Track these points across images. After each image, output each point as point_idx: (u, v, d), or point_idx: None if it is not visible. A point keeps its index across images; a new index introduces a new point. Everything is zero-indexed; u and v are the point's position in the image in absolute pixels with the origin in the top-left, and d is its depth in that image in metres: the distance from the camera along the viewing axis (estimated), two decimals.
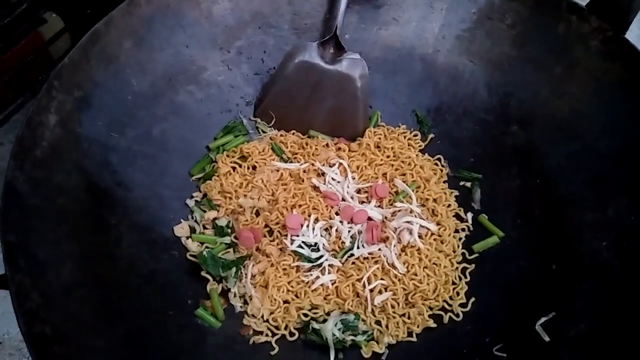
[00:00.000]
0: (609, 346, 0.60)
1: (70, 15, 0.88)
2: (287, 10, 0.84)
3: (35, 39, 0.87)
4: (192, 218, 0.76)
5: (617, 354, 0.60)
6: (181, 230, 0.74)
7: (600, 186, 0.70)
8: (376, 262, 0.72)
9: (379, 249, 0.73)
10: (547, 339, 0.64)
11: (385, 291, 0.71)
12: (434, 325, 0.70)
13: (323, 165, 0.79)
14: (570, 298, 0.66)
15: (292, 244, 0.72)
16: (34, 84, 0.85)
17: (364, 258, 0.73)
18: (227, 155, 0.81)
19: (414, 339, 0.69)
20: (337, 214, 0.76)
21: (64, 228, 0.63)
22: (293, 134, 0.84)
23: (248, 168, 0.80)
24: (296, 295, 0.71)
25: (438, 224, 0.76)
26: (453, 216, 0.78)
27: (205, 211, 0.76)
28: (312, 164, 0.79)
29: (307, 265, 0.72)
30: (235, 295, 0.71)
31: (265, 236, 0.74)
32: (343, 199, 0.77)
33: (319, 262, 0.72)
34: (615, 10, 0.71)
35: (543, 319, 0.66)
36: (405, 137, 0.84)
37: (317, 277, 0.71)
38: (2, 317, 0.84)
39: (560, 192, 0.74)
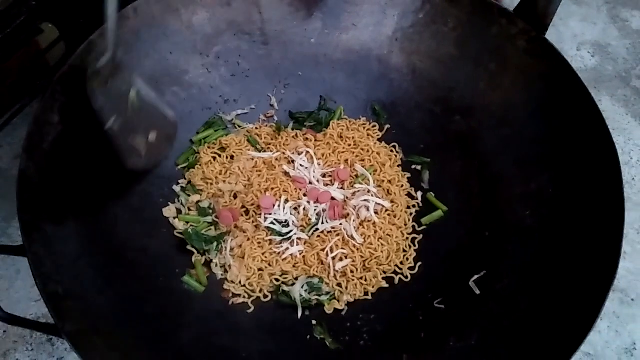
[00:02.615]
0: (527, 296, 0.75)
1: (64, 26, 0.99)
2: (258, 19, 0.96)
3: (33, 47, 0.98)
4: (179, 201, 0.89)
5: (533, 303, 0.74)
6: (169, 211, 0.88)
7: (526, 165, 0.84)
8: (338, 235, 0.85)
9: (340, 224, 0.86)
10: (477, 292, 0.79)
11: (345, 259, 0.84)
12: (387, 285, 0.84)
13: (292, 153, 0.93)
14: (498, 259, 0.80)
15: (265, 221, 0.85)
16: (33, 90, 0.94)
17: (328, 232, 0.86)
18: (209, 147, 0.94)
19: (370, 297, 0.83)
20: (304, 195, 0.89)
21: (68, 209, 0.75)
22: (266, 126, 0.98)
23: (227, 157, 0.94)
24: (269, 264, 0.84)
25: (392, 201, 0.90)
26: (405, 195, 0.92)
27: (189, 195, 0.90)
28: (283, 153, 0.93)
29: (279, 238, 0.85)
30: (216, 265, 0.84)
31: (242, 215, 0.87)
32: (310, 182, 0.90)
33: (288, 236, 0.85)
34: (536, 14, 0.85)
35: (475, 277, 0.80)
36: (364, 128, 0.98)
37: (287, 249, 0.84)
38: (6, 308, 0.93)
39: (494, 171, 0.88)
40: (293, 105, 0.99)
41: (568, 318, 0.68)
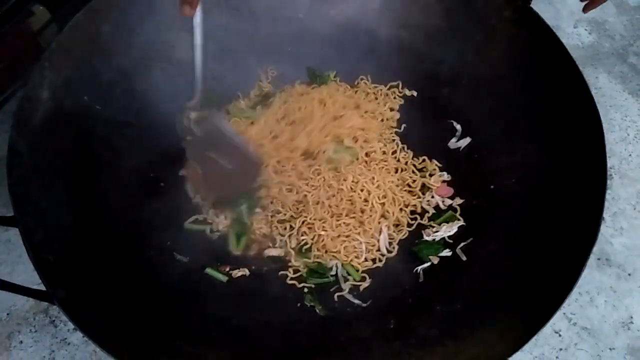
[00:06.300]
0: (511, 261, 0.78)
1: (55, 7, 1.02)
2: None
3: (25, 30, 1.01)
4: None
5: (517, 268, 0.77)
6: None
7: (512, 135, 0.88)
8: None
9: None
10: (464, 258, 0.82)
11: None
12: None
13: None
14: (484, 226, 0.84)
15: None
16: (25, 73, 0.94)
17: None
18: None
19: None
20: None
21: (59, 183, 0.78)
22: None
23: None
24: None
25: None
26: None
27: None
28: None
29: None
30: None
31: None
32: None
33: None
34: None
35: (462, 244, 0.84)
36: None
37: None
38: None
39: (481, 141, 0.91)
40: (282, 80, 1.02)
41: (550, 281, 0.71)
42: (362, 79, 1.02)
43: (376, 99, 0.99)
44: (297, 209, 0.88)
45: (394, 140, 0.95)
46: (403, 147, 0.95)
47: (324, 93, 0.95)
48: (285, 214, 0.88)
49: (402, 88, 1.00)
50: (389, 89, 1.00)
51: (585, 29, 1.42)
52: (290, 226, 0.87)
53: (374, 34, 1.01)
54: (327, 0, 1.01)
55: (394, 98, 0.99)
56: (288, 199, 0.88)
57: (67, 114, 0.83)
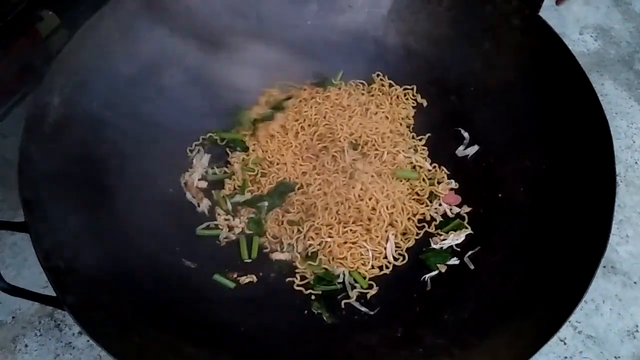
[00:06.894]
0: (519, 269, 0.78)
1: (65, 12, 1.03)
2: (254, 0, 1.00)
3: (33, 35, 1.01)
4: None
5: (525, 276, 0.77)
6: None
7: (520, 142, 0.88)
8: None
9: None
10: (472, 267, 0.82)
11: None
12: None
13: None
14: (491, 235, 0.84)
15: None
16: (34, 78, 0.96)
17: None
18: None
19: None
20: None
21: (69, 188, 0.78)
22: None
23: None
24: None
25: None
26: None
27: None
28: None
29: None
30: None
31: None
32: None
33: None
34: None
35: (470, 252, 0.83)
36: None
37: None
38: None
39: (489, 149, 0.91)
40: (290, 86, 1.02)
41: (558, 290, 0.71)
42: (377, 75, 1.02)
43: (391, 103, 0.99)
44: (307, 210, 0.88)
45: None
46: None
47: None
48: (295, 214, 0.88)
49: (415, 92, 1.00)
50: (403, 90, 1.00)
51: (591, 36, 1.41)
52: (298, 229, 0.87)
53: (381, 41, 1.01)
54: (334, 8, 1.02)
55: (407, 99, 0.99)
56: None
57: (78, 120, 0.83)
